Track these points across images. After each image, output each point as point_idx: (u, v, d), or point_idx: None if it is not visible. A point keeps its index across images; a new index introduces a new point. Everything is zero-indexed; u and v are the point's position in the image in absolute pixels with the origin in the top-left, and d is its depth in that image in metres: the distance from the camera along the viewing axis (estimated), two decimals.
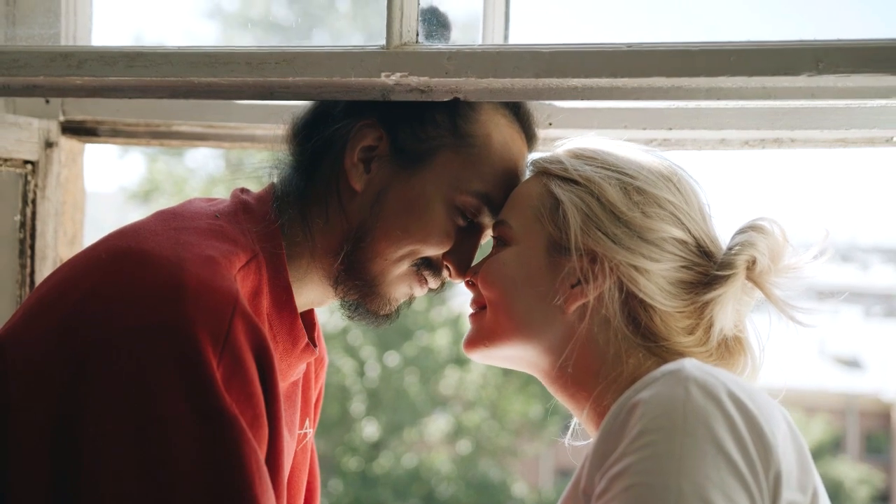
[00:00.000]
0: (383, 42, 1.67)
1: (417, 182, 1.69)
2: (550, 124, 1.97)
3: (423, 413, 18.04)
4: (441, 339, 17.81)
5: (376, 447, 17.84)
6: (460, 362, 18.36)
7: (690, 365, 1.37)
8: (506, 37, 2.02)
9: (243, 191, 1.76)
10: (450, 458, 18.52)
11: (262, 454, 1.45)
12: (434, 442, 18.84)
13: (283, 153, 1.78)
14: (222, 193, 17.58)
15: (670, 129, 1.95)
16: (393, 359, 17.60)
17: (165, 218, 1.62)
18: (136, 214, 17.63)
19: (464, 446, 18.60)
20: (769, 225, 1.59)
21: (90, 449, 1.36)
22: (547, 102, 1.95)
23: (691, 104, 1.90)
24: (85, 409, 1.37)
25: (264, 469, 1.43)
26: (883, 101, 1.62)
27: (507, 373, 18.70)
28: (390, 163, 1.70)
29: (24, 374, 1.42)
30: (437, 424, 18.44)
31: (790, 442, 1.37)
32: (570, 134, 1.98)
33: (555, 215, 1.62)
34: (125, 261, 1.49)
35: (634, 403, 1.34)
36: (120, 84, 1.77)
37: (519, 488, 19.21)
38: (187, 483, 1.35)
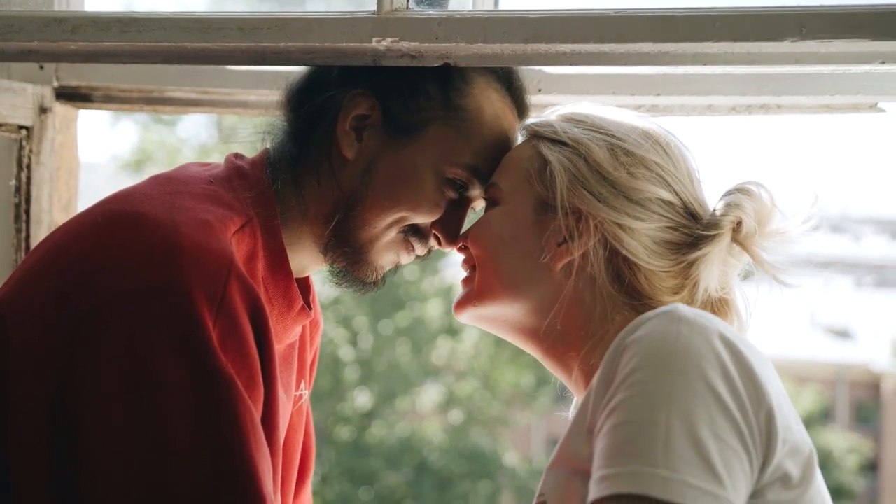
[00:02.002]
0: (374, 8, 1.69)
1: (408, 153, 1.72)
2: (540, 90, 1.98)
3: (416, 383, 18.10)
4: (433, 310, 17.83)
5: (368, 417, 17.90)
6: (452, 332, 18.39)
7: (683, 307, 1.39)
8: (496, 3, 2.04)
9: (237, 156, 1.78)
10: (442, 427, 18.59)
11: (257, 414, 1.48)
12: (426, 412, 18.92)
13: (277, 119, 1.81)
14: (215, 162, 17.47)
15: (658, 94, 1.97)
16: (385, 329, 17.63)
17: (160, 182, 1.64)
18: (128, 183, 17.54)
19: (456, 416, 18.66)
20: (756, 188, 1.61)
21: (88, 415, 1.39)
22: (536, 69, 1.97)
23: (679, 70, 1.92)
24: (82, 374, 1.40)
25: (260, 429, 1.46)
26: (868, 67, 1.64)
27: (499, 343, 18.73)
28: (382, 133, 1.73)
29: (23, 339, 1.44)
30: (430, 394, 18.51)
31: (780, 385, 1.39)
32: (559, 100, 2.00)
33: (542, 175, 1.65)
34: (120, 224, 1.51)
35: (628, 343, 1.36)
36: (114, 49, 1.79)
37: (510, 458, 19.28)
38: (184, 444, 1.38)
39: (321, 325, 1.97)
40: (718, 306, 1.66)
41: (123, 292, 1.43)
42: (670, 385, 1.29)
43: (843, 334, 28.91)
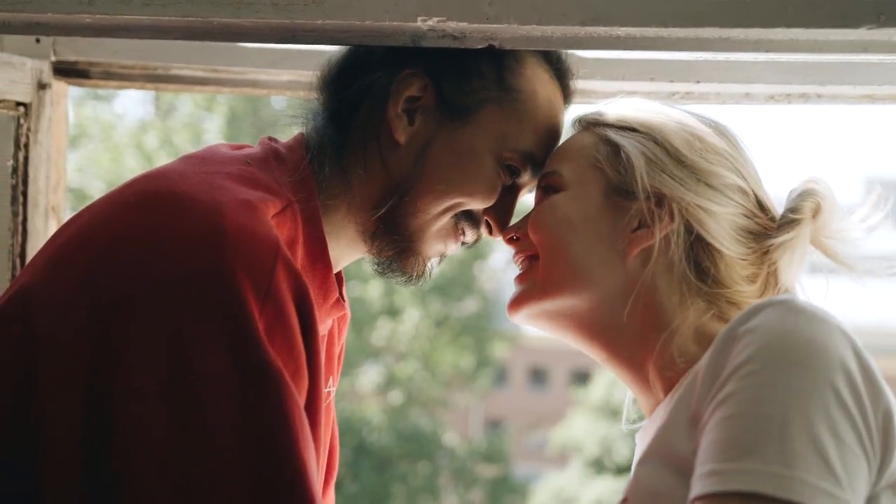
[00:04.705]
0: None
1: (464, 135, 1.64)
2: (573, 75, 1.91)
3: (355, 364, 18.03)
4: (373, 291, 17.76)
5: None
6: (392, 313, 18.36)
7: (798, 298, 1.34)
8: None
9: (271, 139, 1.69)
10: (381, 408, 18.57)
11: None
12: (365, 393, 18.86)
13: (313, 101, 1.71)
14: (153, 140, 17.27)
15: (698, 81, 1.91)
16: None
17: (193, 162, 1.54)
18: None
19: (395, 397, 18.66)
20: (825, 183, 1.57)
21: (124, 411, 1.29)
22: (570, 51, 1.89)
23: (720, 56, 1.86)
24: (118, 366, 1.30)
25: (307, 425, 1.37)
26: None
27: (439, 324, 18.76)
28: (435, 114, 1.65)
29: (51, 329, 1.34)
30: (369, 375, 18.45)
31: None
32: (594, 86, 1.95)
33: (614, 160, 1.59)
34: (156, 204, 1.41)
35: (741, 332, 1.30)
36: (132, 24, 1.67)
37: (449, 438, 19.35)
38: (230, 443, 1.29)
39: (348, 316, 1.88)
40: None
41: (162, 278, 1.33)
42: (787, 378, 1.23)
43: None
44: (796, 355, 1.24)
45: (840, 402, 1.22)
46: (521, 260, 1.68)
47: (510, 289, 1.70)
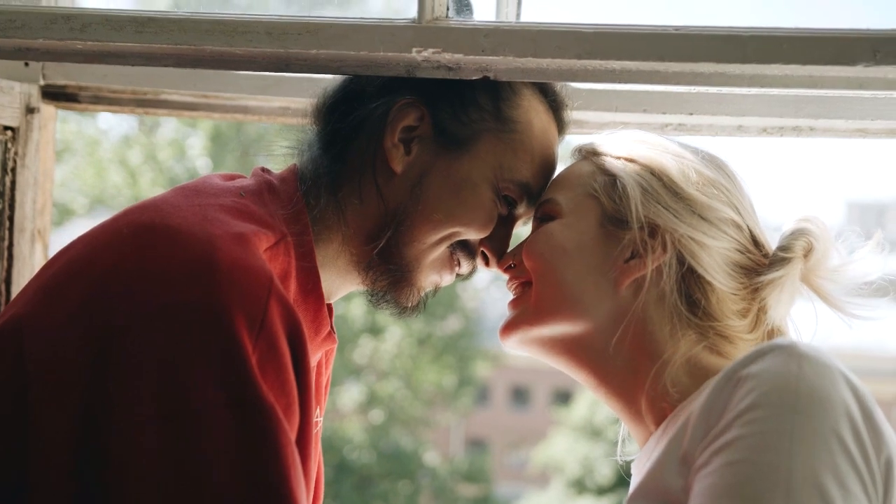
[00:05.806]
0: (412, 16, 1.59)
1: (462, 165, 1.63)
2: (567, 106, 1.90)
3: (337, 382, 17.98)
4: (356, 309, 17.73)
5: None
6: (375, 331, 18.32)
7: (800, 342, 1.32)
8: (518, 14, 1.95)
9: (264, 170, 1.67)
10: (363, 427, 18.52)
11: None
12: (347, 411, 18.81)
13: (308, 132, 1.70)
14: (136, 155, 17.24)
15: (691, 114, 1.91)
16: None
17: (187, 193, 1.52)
18: None
19: (377, 415, 18.62)
20: (820, 222, 1.57)
21: (117, 441, 1.27)
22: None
23: (712, 89, 1.86)
24: (110, 399, 1.28)
25: (298, 460, 1.36)
26: None
27: (421, 343, 18.73)
28: (432, 144, 1.64)
29: (43, 360, 1.32)
30: (351, 394, 18.41)
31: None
32: (587, 117, 1.94)
33: (610, 189, 1.59)
34: (150, 236, 1.39)
35: (743, 377, 1.29)
36: (124, 50, 1.66)
37: (431, 457, 19.32)
38: (223, 478, 1.27)
39: (335, 346, 1.87)
40: (772, 337, 1.60)
41: (159, 309, 1.31)
42: (792, 426, 1.22)
43: None
44: (801, 403, 1.23)
45: (845, 451, 1.21)
46: (514, 286, 1.68)
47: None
